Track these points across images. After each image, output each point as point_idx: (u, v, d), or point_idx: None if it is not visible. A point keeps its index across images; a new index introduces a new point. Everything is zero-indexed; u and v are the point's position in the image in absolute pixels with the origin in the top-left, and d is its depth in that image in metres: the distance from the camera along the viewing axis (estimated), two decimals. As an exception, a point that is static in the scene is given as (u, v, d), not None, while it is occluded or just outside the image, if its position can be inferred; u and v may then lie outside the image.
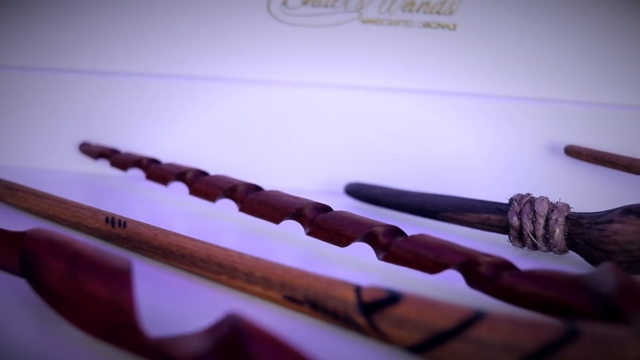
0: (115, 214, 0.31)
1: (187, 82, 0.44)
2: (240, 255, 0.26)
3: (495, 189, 0.41)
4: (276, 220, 0.32)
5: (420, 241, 0.26)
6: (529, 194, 0.33)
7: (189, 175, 0.38)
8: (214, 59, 0.44)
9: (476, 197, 0.36)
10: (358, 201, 0.41)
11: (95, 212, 0.32)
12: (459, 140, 0.42)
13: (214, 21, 0.43)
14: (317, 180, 0.44)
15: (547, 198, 0.32)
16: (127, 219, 0.30)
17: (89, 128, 0.46)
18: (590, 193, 0.41)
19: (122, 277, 0.20)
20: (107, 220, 0.31)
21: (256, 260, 0.25)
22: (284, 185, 0.42)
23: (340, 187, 0.43)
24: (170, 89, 0.44)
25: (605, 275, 0.22)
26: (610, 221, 0.29)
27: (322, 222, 0.30)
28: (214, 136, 0.44)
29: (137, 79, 0.45)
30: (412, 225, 0.37)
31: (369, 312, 0.21)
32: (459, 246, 0.26)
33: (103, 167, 0.44)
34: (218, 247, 0.27)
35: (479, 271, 0.25)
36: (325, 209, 0.31)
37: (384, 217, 0.38)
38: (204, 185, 0.36)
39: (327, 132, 0.43)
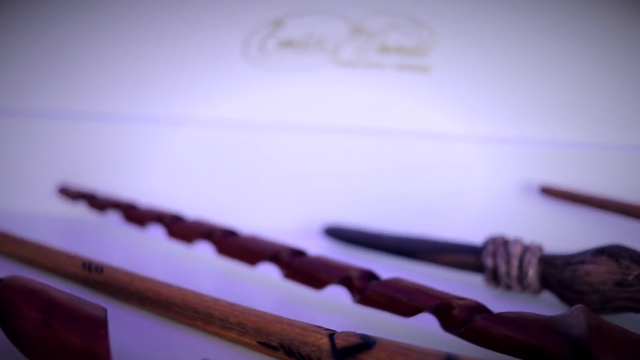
0: (93, 259, 0.31)
1: (164, 124, 0.44)
2: (216, 300, 0.26)
3: (472, 229, 0.41)
4: (253, 263, 0.32)
5: (394, 285, 0.27)
6: (503, 235, 0.33)
7: (166, 219, 0.38)
8: (191, 102, 0.44)
9: (453, 237, 0.37)
10: (336, 242, 0.41)
11: (72, 257, 0.32)
12: (435, 181, 0.43)
13: (191, 65, 0.44)
14: (296, 221, 0.44)
15: (520, 239, 0.33)
16: (104, 265, 0.30)
17: (68, 171, 0.46)
18: (565, 232, 0.41)
19: (97, 326, 0.20)
20: (84, 265, 0.31)
21: (231, 305, 0.25)
22: (263, 226, 0.42)
23: (318, 228, 0.43)
24: (148, 131, 0.44)
25: (576, 317, 0.23)
26: (582, 262, 0.30)
27: (297, 266, 0.30)
28: (191, 178, 0.45)
29: (115, 122, 0.45)
30: (389, 266, 0.37)
31: (342, 358, 0.21)
32: (432, 290, 0.26)
33: (81, 209, 0.45)
34: (194, 292, 0.27)
35: (452, 314, 0.25)
36: (301, 252, 0.31)
37: (362, 257, 0.38)
38: (181, 228, 0.36)
39: (305, 173, 0.44)
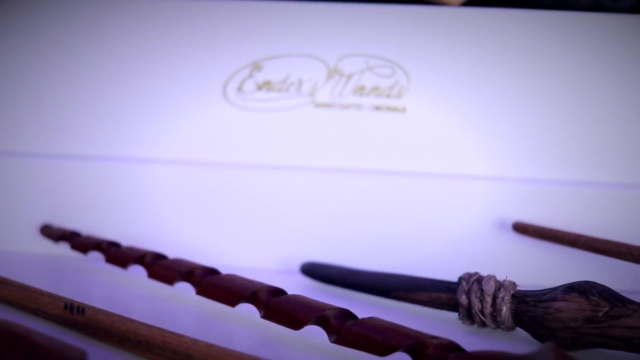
0: (75, 300, 0.31)
1: (145, 164, 0.45)
2: (195, 342, 0.26)
3: (448, 265, 0.42)
4: (232, 303, 0.33)
5: (369, 324, 0.27)
6: (477, 273, 0.34)
7: (147, 259, 0.38)
8: (171, 142, 0.45)
9: (429, 274, 0.37)
10: (313, 280, 0.41)
11: (54, 298, 0.32)
12: (411, 218, 0.43)
13: (172, 106, 0.45)
14: (275, 260, 0.45)
15: (494, 276, 0.33)
16: (86, 306, 0.31)
17: (51, 210, 0.46)
18: (538, 268, 0.42)
19: (77, 370, 0.21)
20: (65, 306, 0.31)
21: (210, 346, 0.26)
22: (243, 265, 0.43)
23: (297, 266, 0.43)
24: (131, 171, 0.45)
25: (545, 355, 0.23)
26: (554, 299, 0.30)
27: (275, 306, 0.31)
28: (172, 217, 0.45)
29: (97, 162, 0.45)
30: (366, 304, 0.37)
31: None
32: (406, 329, 0.27)
33: (64, 249, 0.45)
34: (173, 333, 0.27)
35: (426, 353, 0.26)
36: (279, 292, 0.32)
37: (339, 296, 0.39)
38: (162, 269, 0.37)
39: (283, 212, 0.44)
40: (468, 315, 0.33)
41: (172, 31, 0.44)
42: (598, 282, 0.31)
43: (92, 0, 0.45)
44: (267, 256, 0.45)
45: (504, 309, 0.32)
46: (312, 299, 0.30)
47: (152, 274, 0.37)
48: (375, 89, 0.43)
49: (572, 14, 0.42)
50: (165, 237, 0.45)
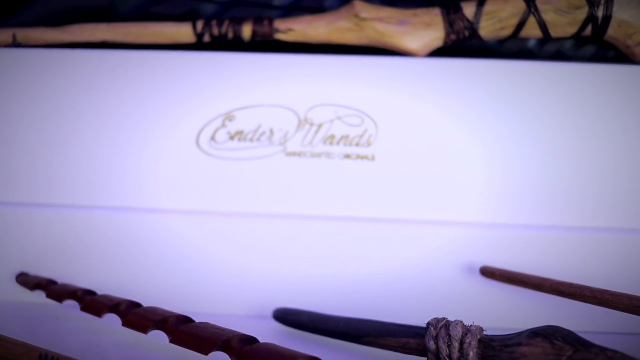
0: (49, 350, 0.32)
1: (120, 213, 0.45)
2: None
3: (416, 311, 0.43)
4: (204, 351, 0.33)
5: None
6: (444, 318, 0.35)
7: (122, 307, 0.39)
8: (145, 191, 0.46)
9: (399, 319, 0.38)
10: (286, 326, 0.42)
11: (29, 348, 0.32)
12: (380, 264, 0.44)
13: (146, 155, 0.45)
14: (248, 306, 0.45)
15: (461, 322, 0.34)
16: (60, 355, 0.31)
17: (27, 259, 0.46)
18: (506, 312, 0.43)
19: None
20: (40, 357, 0.31)
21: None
22: (218, 312, 0.44)
23: (270, 312, 0.44)
24: (105, 220, 0.45)
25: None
26: (519, 344, 0.31)
27: (247, 355, 0.31)
28: (147, 265, 0.46)
29: (72, 211, 0.46)
30: (337, 350, 0.38)
31: None
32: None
33: (40, 297, 0.45)
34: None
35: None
36: (251, 340, 0.32)
37: (311, 342, 0.39)
38: (135, 317, 0.37)
39: (256, 259, 0.45)
40: (436, 360, 0.34)
41: (146, 83, 0.45)
42: (563, 324, 0.32)
43: (65, 52, 0.45)
44: (240, 303, 0.45)
45: (471, 354, 0.33)
46: (283, 348, 0.31)
47: (126, 322, 0.38)
48: (345, 137, 0.44)
49: (536, 63, 0.44)
50: (140, 285, 0.45)
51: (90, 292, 0.42)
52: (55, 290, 0.43)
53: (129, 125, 0.45)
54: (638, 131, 0.43)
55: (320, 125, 0.44)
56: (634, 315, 0.34)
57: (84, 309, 0.41)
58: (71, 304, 0.43)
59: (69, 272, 0.46)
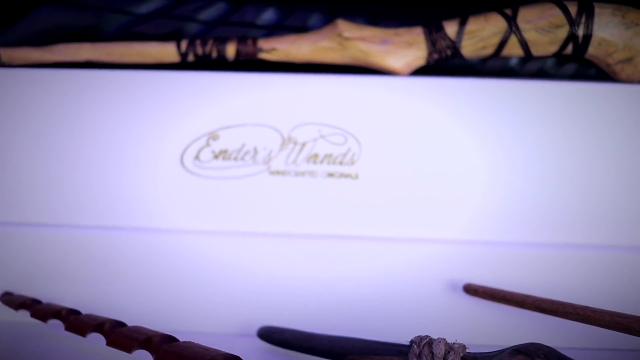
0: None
1: (105, 233, 0.45)
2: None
3: (400, 328, 0.43)
4: (188, 371, 0.33)
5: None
6: (427, 336, 0.35)
7: (106, 326, 0.39)
8: (130, 210, 0.46)
9: (383, 337, 0.38)
10: (271, 345, 0.42)
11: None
12: (363, 282, 0.44)
13: (130, 174, 0.45)
14: (233, 325, 0.45)
15: (444, 339, 0.34)
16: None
17: (12, 278, 0.46)
18: (489, 329, 0.44)
19: None
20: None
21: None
22: (202, 331, 0.44)
23: (255, 330, 0.44)
24: (90, 239, 0.45)
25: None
26: (500, 361, 0.31)
27: (231, 374, 0.31)
28: (132, 284, 0.46)
29: (56, 231, 0.46)
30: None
31: None
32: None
33: (24, 316, 0.45)
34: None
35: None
36: (235, 359, 0.32)
37: (295, 360, 0.40)
38: (120, 336, 0.37)
39: (241, 277, 0.45)
40: (419, 378, 0.34)
41: (130, 102, 0.45)
42: (545, 341, 0.32)
43: (50, 72, 0.45)
44: (225, 321, 0.45)
45: (454, 371, 0.33)
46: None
47: (111, 342, 0.38)
48: (328, 156, 0.44)
49: (518, 82, 0.44)
50: (124, 304, 0.45)
51: (75, 312, 0.42)
52: (40, 310, 0.43)
53: (113, 144, 0.45)
54: (619, 148, 0.44)
55: (303, 144, 0.44)
56: (616, 332, 0.35)
57: (68, 328, 0.41)
58: (56, 324, 0.43)
59: (53, 292, 0.46)
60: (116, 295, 0.46)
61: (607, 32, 0.44)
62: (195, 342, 0.35)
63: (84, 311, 0.43)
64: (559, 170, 0.44)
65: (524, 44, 0.45)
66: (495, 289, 0.42)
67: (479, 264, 0.44)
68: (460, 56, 0.45)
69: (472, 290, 0.43)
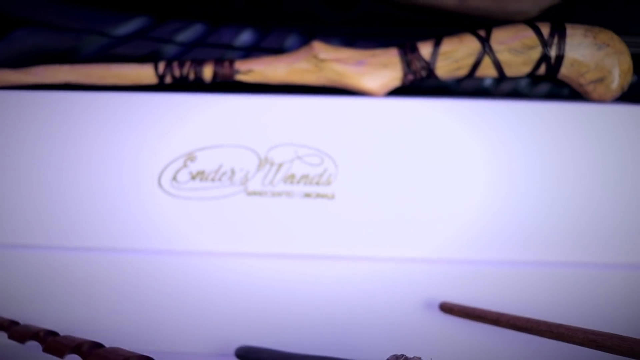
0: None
1: (82, 254, 0.46)
2: None
3: (376, 347, 0.44)
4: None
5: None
6: (403, 355, 0.35)
7: (84, 348, 0.39)
8: (107, 232, 0.46)
9: (359, 356, 0.38)
10: (248, 365, 0.42)
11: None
12: (340, 301, 0.45)
13: (107, 195, 0.45)
14: (211, 344, 0.45)
15: (420, 358, 0.35)
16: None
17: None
18: (464, 347, 0.44)
19: None
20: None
21: None
22: (180, 350, 0.44)
23: (233, 350, 0.44)
24: (67, 261, 0.46)
25: None
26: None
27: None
28: (109, 305, 0.46)
29: (33, 252, 0.46)
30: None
31: None
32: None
33: (2, 338, 0.45)
34: None
35: None
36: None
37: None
38: (97, 358, 0.37)
39: (218, 297, 0.45)
40: (394, 397, 0.35)
41: (108, 123, 0.45)
42: (520, 359, 0.33)
43: (28, 94, 0.46)
44: (202, 341, 0.46)
45: (428, 390, 0.33)
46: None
47: (87, 365, 0.38)
48: (305, 177, 0.45)
49: (492, 102, 0.45)
50: (102, 325, 0.45)
51: (53, 333, 0.42)
52: (17, 331, 0.43)
53: (90, 165, 0.45)
54: (591, 167, 0.44)
55: (280, 165, 0.45)
56: (589, 349, 0.35)
57: (46, 350, 0.41)
58: (33, 345, 0.43)
59: (31, 313, 0.46)
60: (94, 316, 0.46)
61: (579, 52, 0.45)
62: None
63: (62, 332, 0.43)
64: (533, 189, 0.45)
65: (497, 65, 0.45)
66: (470, 307, 0.42)
67: (455, 282, 0.44)
68: (435, 77, 0.46)
69: (447, 308, 0.43)
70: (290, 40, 0.49)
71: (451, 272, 0.44)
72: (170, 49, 0.49)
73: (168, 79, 0.46)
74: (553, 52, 0.45)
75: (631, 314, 0.44)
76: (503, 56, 0.45)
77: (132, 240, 0.46)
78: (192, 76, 0.46)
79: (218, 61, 0.46)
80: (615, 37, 0.46)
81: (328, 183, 0.45)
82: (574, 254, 0.45)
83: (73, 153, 0.45)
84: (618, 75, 0.46)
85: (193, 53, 0.49)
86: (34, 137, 0.46)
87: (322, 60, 0.45)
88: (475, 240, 0.45)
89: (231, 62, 0.46)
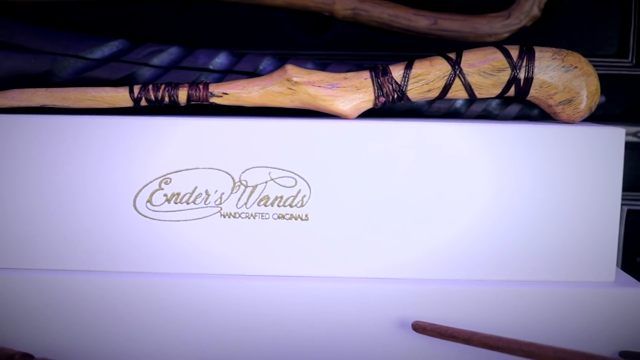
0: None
1: (57, 276, 0.46)
2: None
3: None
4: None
5: None
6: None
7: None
8: (83, 254, 0.46)
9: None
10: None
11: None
12: (314, 322, 0.45)
13: (83, 218, 0.46)
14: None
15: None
16: None
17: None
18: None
19: None
20: None
21: None
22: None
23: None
24: (42, 283, 0.46)
25: None
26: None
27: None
28: (86, 328, 0.46)
29: (8, 274, 0.46)
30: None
31: None
32: None
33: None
34: None
35: None
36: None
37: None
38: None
39: (193, 319, 0.46)
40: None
41: (84, 146, 0.45)
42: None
43: (4, 118, 0.46)
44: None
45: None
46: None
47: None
48: (279, 198, 0.45)
49: (463, 124, 0.45)
50: (77, 347, 0.46)
51: (28, 356, 0.42)
52: (-8, 355, 0.43)
53: (66, 188, 0.46)
54: (560, 188, 0.45)
55: (254, 187, 0.45)
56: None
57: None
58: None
59: (6, 336, 0.46)
60: (69, 337, 0.46)
61: (548, 75, 0.46)
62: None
63: (37, 354, 0.43)
64: (504, 210, 0.45)
65: (468, 87, 0.46)
66: (443, 326, 0.43)
67: (427, 302, 0.45)
68: (407, 99, 0.46)
69: (420, 328, 0.44)
70: (265, 64, 0.49)
71: (423, 292, 0.45)
72: (146, 72, 0.49)
73: (143, 102, 0.46)
74: (522, 74, 0.46)
75: (599, 331, 0.45)
76: (473, 78, 0.46)
77: (108, 263, 0.46)
78: (167, 99, 0.46)
79: (193, 84, 0.46)
80: (583, 59, 0.47)
81: (302, 204, 0.45)
82: (545, 274, 0.46)
83: (48, 176, 0.46)
84: (586, 96, 0.47)
85: (169, 76, 0.49)
86: (9, 160, 0.46)
87: (296, 84, 0.46)
88: (447, 261, 0.46)
89: (206, 85, 0.46)
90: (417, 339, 0.45)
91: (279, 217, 0.46)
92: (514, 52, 0.46)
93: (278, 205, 0.45)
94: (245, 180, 0.45)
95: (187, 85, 0.46)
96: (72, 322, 0.46)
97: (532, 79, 0.46)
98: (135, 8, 0.61)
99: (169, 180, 0.45)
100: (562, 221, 0.46)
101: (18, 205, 0.46)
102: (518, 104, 0.50)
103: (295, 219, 0.45)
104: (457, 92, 0.47)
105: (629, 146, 0.61)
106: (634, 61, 0.60)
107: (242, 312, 0.45)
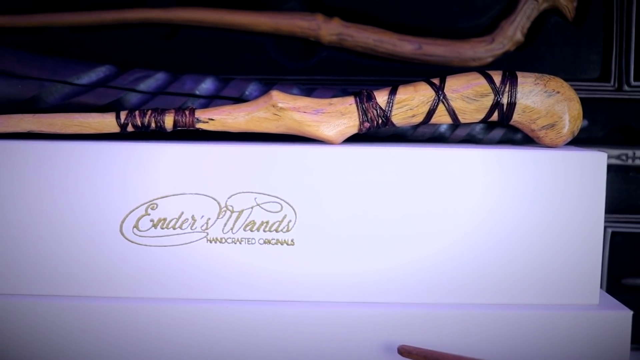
0: None
1: (44, 301, 0.46)
2: None
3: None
4: None
5: None
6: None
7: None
8: (69, 280, 0.46)
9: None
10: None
11: None
12: (300, 347, 0.45)
13: (69, 243, 0.46)
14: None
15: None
16: None
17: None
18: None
19: None
20: None
21: None
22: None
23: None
24: (28, 309, 0.46)
25: None
26: None
27: None
28: (73, 354, 0.46)
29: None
30: None
31: None
32: None
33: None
34: None
35: None
36: None
37: None
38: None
39: (179, 345, 0.46)
40: None
41: (71, 172, 0.46)
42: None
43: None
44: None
45: None
46: None
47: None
48: (265, 223, 0.46)
49: (448, 149, 0.46)
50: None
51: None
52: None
53: (53, 213, 0.46)
54: (543, 211, 0.46)
55: (240, 212, 0.45)
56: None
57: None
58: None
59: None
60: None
61: (530, 99, 0.46)
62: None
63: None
64: (489, 234, 0.46)
65: (451, 112, 0.47)
66: (429, 350, 0.43)
67: (413, 326, 0.45)
68: (391, 124, 0.47)
69: (406, 352, 0.44)
70: (250, 89, 0.50)
71: (409, 316, 0.45)
72: (132, 98, 0.49)
73: (130, 128, 0.47)
74: (505, 100, 0.46)
75: (583, 353, 0.45)
76: (457, 104, 0.46)
77: (95, 288, 0.46)
78: (153, 125, 0.47)
79: (179, 110, 0.47)
80: (565, 84, 0.47)
81: (287, 230, 0.46)
82: (529, 296, 0.46)
83: (35, 201, 0.46)
84: (568, 121, 0.47)
85: (155, 101, 0.49)
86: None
87: (281, 109, 0.46)
88: (433, 284, 0.46)
89: (192, 110, 0.47)
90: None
91: (264, 242, 0.46)
92: (497, 77, 0.47)
93: (264, 231, 0.46)
94: (231, 206, 0.45)
95: (173, 111, 0.47)
96: (56, 348, 0.46)
97: (515, 104, 0.46)
98: (122, 34, 0.61)
99: (155, 205, 0.45)
100: (547, 244, 0.46)
101: (4, 230, 0.46)
102: (502, 129, 0.50)
103: (281, 244, 0.46)
104: (441, 117, 0.47)
105: (612, 168, 0.62)
106: (616, 85, 0.60)
107: (228, 338, 0.45)
